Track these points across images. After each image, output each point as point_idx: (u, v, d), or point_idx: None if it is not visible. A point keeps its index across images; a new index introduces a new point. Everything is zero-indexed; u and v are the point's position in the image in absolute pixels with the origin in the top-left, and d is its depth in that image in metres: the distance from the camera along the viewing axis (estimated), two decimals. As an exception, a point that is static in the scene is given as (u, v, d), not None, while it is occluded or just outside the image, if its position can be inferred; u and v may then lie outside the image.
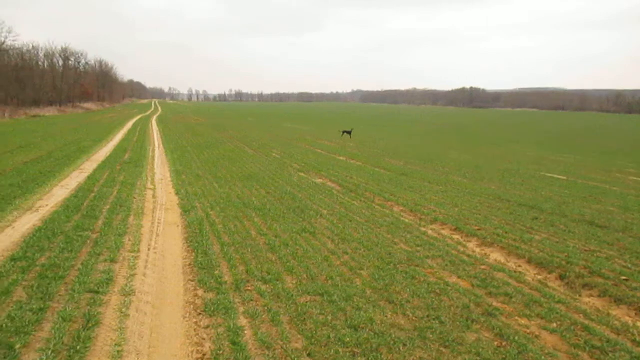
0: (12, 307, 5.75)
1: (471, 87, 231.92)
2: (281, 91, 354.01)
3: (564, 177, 20.81)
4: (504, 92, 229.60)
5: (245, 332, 5.52)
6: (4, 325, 5.26)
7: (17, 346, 4.85)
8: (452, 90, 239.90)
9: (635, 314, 6.48)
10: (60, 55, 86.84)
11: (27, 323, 5.32)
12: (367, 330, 5.58)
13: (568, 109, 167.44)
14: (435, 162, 24.30)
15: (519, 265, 8.29)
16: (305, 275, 7.33)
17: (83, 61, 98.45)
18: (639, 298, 6.78)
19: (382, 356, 5.01)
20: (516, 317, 6.13)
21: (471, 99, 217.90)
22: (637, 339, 5.63)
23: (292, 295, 6.55)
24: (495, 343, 5.39)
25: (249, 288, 6.84)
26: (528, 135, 55.45)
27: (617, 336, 5.70)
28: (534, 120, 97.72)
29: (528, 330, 5.76)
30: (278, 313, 6.01)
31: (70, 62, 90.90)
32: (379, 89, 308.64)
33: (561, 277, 7.70)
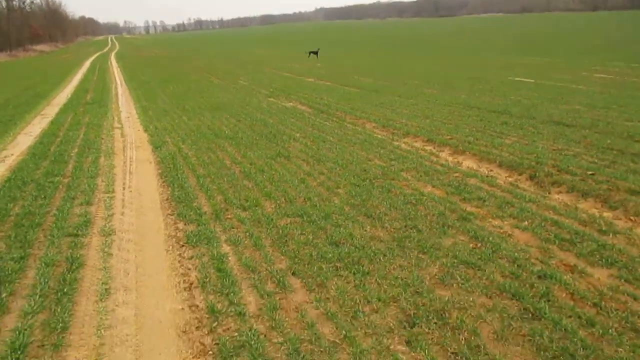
0: (-8, 258, 5.73)
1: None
2: (242, 15, 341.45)
3: (532, 80, 20.92)
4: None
5: (230, 258, 5.63)
6: (-14, 276, 5.26)
7: (3, 295, 4.87)
8: (417, 1, 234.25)
9: (602, 205, 6.76)
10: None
11: (10, 272, 5.32)
12: (348, 245, 5.74)
13: (535, 11, 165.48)
14: (404, 75, 24.11)
15: (491, 170, 8.49)
16: (283, 199, 7.41)
17: (29, 1, 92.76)
18: (605, 191, 7.05)
19: (364, 268, 5.19)
20: (490, 219, 6.35)
21: (437, 8, 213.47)
22: (604, 228, 5.91)
23: (272, 220, 6.65)
24: (471, 245, 5.61)
25: (229, 216, 6.91)
26: (495, 41, 55.03)
27: (585, 228, 5.97)
28: (500, 26, 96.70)
29: (501, 230, 5.99)
30: (260, 237, 6.11)
31: (14, 3, 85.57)
32: (343, 5, 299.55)
33: (531, 178, 7.93)
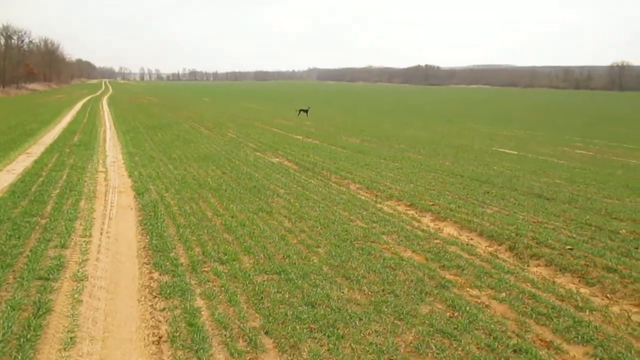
0: (-44, 297, 5.54)
1: (426, 65, 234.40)
2: (237, 70, 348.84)
3: (515, 152, 21.43)
4: (458, 70, 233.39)
5: (202, 313, 5.50)
6: (-52, 316, 5.06)
7: (-37, 337, 4.68)
8: (407, 68, 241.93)
9: (579, 281, 6.79)
10: (1, 34, 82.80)
11: (-27, 313, 5.13)
12: (324, 306, 5.65)
13: (519, 86, 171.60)
14: (391, 139, 24.56)
15: (471, 239, 8.53)
16: (262, 255, 7.34)
17: (27, 40, 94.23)
18: (583, 266, 7.10)
19: (339, 331, 5.09)
20: (468, 289, 6.32)
21: (426, 76, 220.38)
22: (580, 305, 5.91)
23: (249, 275, 6.56)
24: (448, 314, 5.56)
25: (206, 269, 6.80)
26: (481, 112, 56.63)
27: (562, 303, 5.97)
28: (487, 97, 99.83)
29: (479, 301, 5.96)
30: (235, 293, 6.01)
31: (13, 41, 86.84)
32: (336, 67, 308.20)
33: (511, 249, 7.98)
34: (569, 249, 7.80)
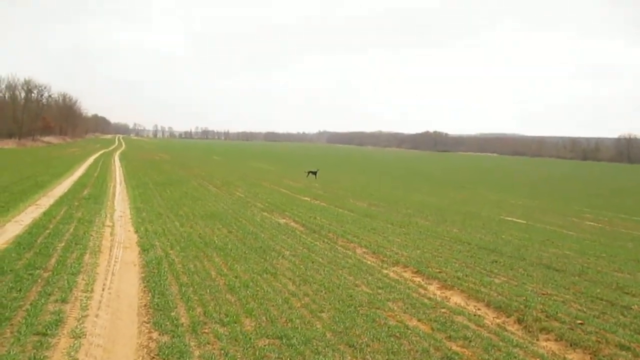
0: (-49, 350, 5.43)
1: (435, 132, 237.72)
2: (248, 130, 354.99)
3: (524, 221, 21.31)
4: (466, 137, 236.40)
5: (200, 377, 5.33)
6: (-60, 370, 4.94)
7: (-47, 393, 4.55)
8: (416, 134, 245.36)
9: (591, 358, 6.56)
10: (22, 88, 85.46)
11: (-34, 368, 5.01)
12: (326, 375, 5.47)
13: (527, 155, 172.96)
14: (399, 204, 24.56)
15: (479, 309, 8.34)
16: (264, 318, 7.19)
17: (46, 94, 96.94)
18: (594, 342, 6.88)
19: (340, 403, 4.90)
20: (475, 362, 6.12)
21: (435, 142, 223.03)
22: (593, 384, 5.68)
23: (250, 339, 6.40)
24: (454, 388, 5.35)
25: (206, 331, 6.65)
26: (489, 180, 56.85)
27: (573, 381, 5.74)
28: (495, 165, 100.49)
29: (487, 375, 5.75)
30: (235, 357, 5.85)
31: (32, 95, 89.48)
32: (346, 131, 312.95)
33: (519, 321, 7.77)
34: (579, 323, 7.59)
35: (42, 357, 5.44)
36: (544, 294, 9.17)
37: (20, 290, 7.64)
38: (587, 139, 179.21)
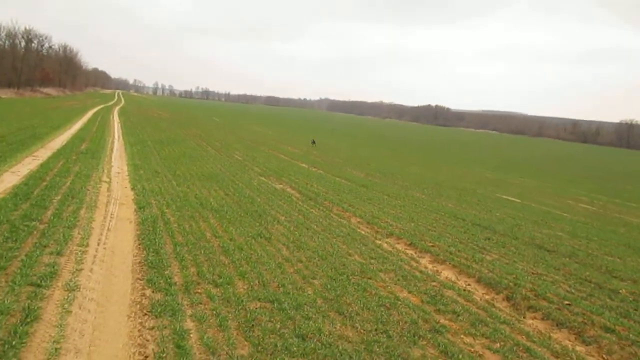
0: (-54, 296, 5.48)
1: (436, 105, 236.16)
2: (249, 93, 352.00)
3: (519, 200, 21.40)
4: (467, 113, 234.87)
5: (191, 335, 5.42)
6: None
7: (-52, 338, 4.61)
8: (417, 107, 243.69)
9: (575, 338, 6.68)
10: (22, 37, 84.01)
11: (-40, 314, 5.07)
12: (315, 340, 5.56)
13: (527, 134, 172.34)
14: (396, 176, 24.59)
15: (469, 284, 8.44)
16: (257, 281, 7.27)
17: (47, 45, 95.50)
18: (580, 323, 6.99)
19: (328, 368, 5.00)
20: (462, 336, 6.23)
21: (436, 116, 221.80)
22: (575, 363, 5.80)
23: (242, 301, 6.48)
24: (440, 360, 5.46)
25: (199, 291, 6.73)
26: (488, 157, 56.81)
27: (557, 359, 5.86)
28: (494, 143, 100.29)
29: (472, 349, 5.86)
30: (226, 318, 5.93)
31: (33, 44, 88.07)
32: (347, 100, 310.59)
33: (508, 299, 7.88)
34: (567, 304, 7.70)
35: (36, 308, 5.50)
36: (534, 274, 9.28)
37: (15, 240, 7.67)
38: (589, 122, 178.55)
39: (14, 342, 4.72)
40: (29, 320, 5.20)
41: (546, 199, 23.80)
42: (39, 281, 6.27)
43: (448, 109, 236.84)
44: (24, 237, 7.89)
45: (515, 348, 6.00)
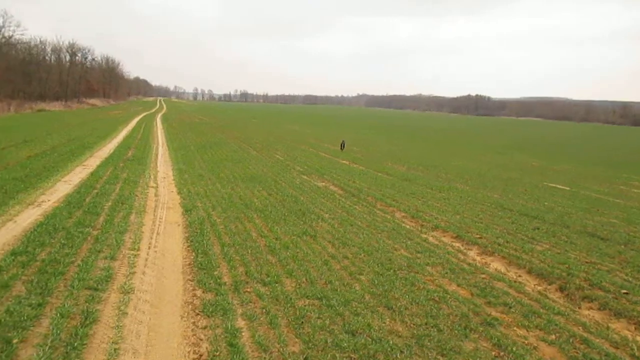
0: (11, 301, 5.76)
1: (477, 95, 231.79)
2: (287, 93, 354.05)
3: (568, 188, 20.77)
4: (509, 101, 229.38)
5: (243, 334, 5.52)
6: (2, 319, 5.27)
7: (15, 341, 4.85)
8: (457, 98, 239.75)
9: (635, 328, 6.44)
10: (67, 51, 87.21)
11: (25, 318, 5.33)
12: (365, 336, 5.56)
13: (574, 120, 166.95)
14: (438, 168, 24.27)
15: (520, 276, 8.26)
16: (304, 279, 7.32)
17: (90, 57, 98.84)
18: (639, 312, 6.74)
19: (379, 363, 4.99)
20: (515, 328, 6.10)
21: (476, 106, 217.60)
22: (636, 353, 5.60)
23: (291, 299, 6.54)
24: (493, 353, 5.37)
25: (248, 290, 6.83)
26: (533, 145, 55.37)
27: (616, 350, 5.67)
28: (539, 130, 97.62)
29: (526, 341, 5.74)
30: (276, 316, 6.00)
31: (77, 57, 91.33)
32: (385, 94, 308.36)
33: (561, 289, 7.67)
34: (624, 293, 7.44)
35: (94, 310, 5.72)
36: (587, 263, 8.99)
37: (71, 247, 7.99)
38: (639, 104, 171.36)
39: (75, 344, 4.92)
40: (88, 322, 5.41)
41: (596, 185, 23.01)
42: (95, 285, 6.51)
43: (489, 98, 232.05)
44: (79, 243, 8.21)
45: (571, 339, 5.83)
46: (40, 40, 79.09)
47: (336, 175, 18.89)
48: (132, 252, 8.16)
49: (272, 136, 40.21)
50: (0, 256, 7.39)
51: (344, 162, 24.44)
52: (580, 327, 6.25)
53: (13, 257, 7.28)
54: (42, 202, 11.33)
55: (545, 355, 5.44)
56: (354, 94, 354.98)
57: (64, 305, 5.77)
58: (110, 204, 11.45)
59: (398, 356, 5.16)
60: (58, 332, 5.10)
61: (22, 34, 67.11)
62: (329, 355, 5.08)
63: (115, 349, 5.01)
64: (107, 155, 20.85)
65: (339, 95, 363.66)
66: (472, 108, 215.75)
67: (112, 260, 7.63)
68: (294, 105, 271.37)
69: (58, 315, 5.49)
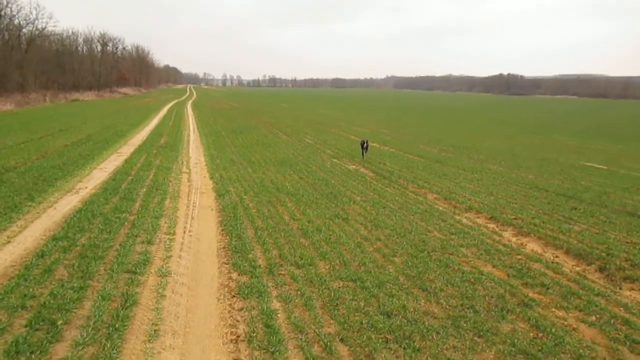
0: (54, 285, 5.95)
1: (509, 74, 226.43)
2: (315, 77, 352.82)
3: (605, 167, 20.21)
4: (543, 79, 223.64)
5: (279, 315, 5.57)
6: (46, 302, 5.44)
7: (59, 322, 5.01)
8: (488, 77, 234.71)
9: (679, 309, 6.25)
10: (99, 41, 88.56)
11: (68, 301, 5.49)
12: (400, 317, 5.55)
13: (611, 97, 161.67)
14: (470, 150, 23.90)
15: (557, 256, 8.10)
16: (338, 261, 7.34)
17: (121, 47, 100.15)
18: (684, 293, 6.54)
19: (415, 344, 4.98)
20: (553, 309, 6.00)
21: (509, 85, 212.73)
22: (681, 334, 5.43)
23: (325, 281, 6.57)
24: (531, 334, 5.29)
25: (283, 272, 6.89)
26: (568, 124, 53.97)
27: (660, 331, 5.52)
28: (574, 109, 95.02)
29: (565, 323, 5.64)
30: (311, 298, 6.04)
31: (108, 47, 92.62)
32: (414, 75, 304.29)
33: (601, 270, 7.49)
34: (667, 273, 7.21)
35: (133, 293, 5.85)
36: (628, 242, 8.75)
37: (110, 232, 8.18)
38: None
39: (117, 325, 5.05)
40: (128, 304, 5.55)
41: (635, 164, 22.32)
42: (134, 268, 6.67)
43: (522, 77, 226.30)
44: (117, 228, 8.40)
45: (612, 320, 5.70)
46: (72, 32, 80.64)
47: (367, 157, 18.78)
48: (168, 236, 8.31)
49: (302, 120, 40.20)
50: (42, 241, 7.63)
51: (374, 144, 24.27)
52: (621, 308, 6.10)
53: (54, 243, 7.50)
54: (80, 189, 11.61)
55: (585, 336, 5.34)
56: (383, 76, 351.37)
57: (105, 288, 5.93)
58: (145, 190, 11.65)
59: (434, 337, 5.14)
60: (100, 314, 5.25)
61: (54, 26, 68.46)
62: (365, 336, 5.09)
63: (155, 330, 5.12)
64: (140, 143, 21.19)
65: (368, 77, 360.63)
66: (504, 87, 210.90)
67: (149, 244, 7.78)
68: (322, 89, 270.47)
69: (99, 298, 5.64)
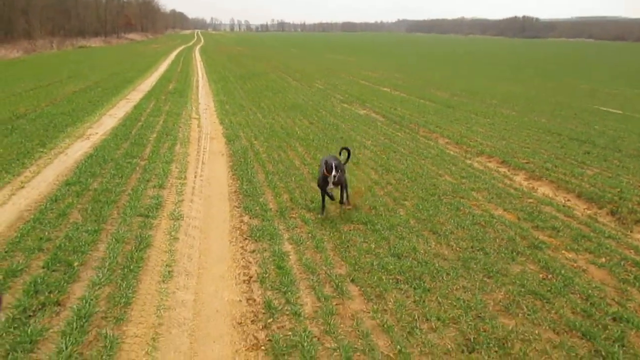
0: (69, 228, 6.04)
1: (523, 16, 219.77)
2: (324, 21, 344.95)
3: (620, 112, 19.82)
4: (559, 22, 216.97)
5: (290, 257, 5.64)
6: (62, 244, 5.54)
7: (76, 264, 5.12)
8: (502, 20, 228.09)
9: (691, 251, 6.25)
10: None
11: (83, 243, 5.59)
12: (411, 259, 5.60)
13: (629, 40, 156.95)
14: (483, 94, 23.49)
15: (568, 200, 8.07)
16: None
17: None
18: (696, 235, 6.52)
19: (425, 284, 5.04)
20: (563, 251, 6.02)
21: (523, 28, 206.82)
22: (691, 276, 5.45)
23: (335, 224, 6.62)
24: (541, 275, 5.33)
25: (294, 216, 6.93)
26: (583, 68, 52.68)
27: (670, 273, 5.53)
28: (590, 52, 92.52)
29: (575, 264, 5.66)
30: (322, 240, 6.09)
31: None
32: (426, 18, 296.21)
33: (612, 213, 7.46)
34: (680, 216, 7.17)
35: (147, 236, 5.94)
36: (641, 186, 8.67)
37: (121, 176, 8.25)
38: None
39: (131, 266, 5.15)
40: (142, 247, 5.64)
41: (652, 108, 21.85)
42: (146, 212, 6.74)
43: (537, 19, 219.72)
44: (129, 173, 8.45)
45: (622, 262, 5.72)
46: (76, -25, 78.57)
47: (377, 102, 18.57)
48: (180, 180, 8.36)
49: (312, 66, 39.57)
50: (55, 186, 7.71)
51: (385, 89, 23.94)
52: (632, 251, 6.11)
53: (67, 187, 7.58)
54: (90, 135, 11.63)
55: (594, 277, 5.37)
56: (394, 20, 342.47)
57: (118, 231, 6.02)
58: (155, 135, 11.65)
59: (444, 278, 5.19)
60: (114, 255, 5.35)
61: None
62: (375, 277, 5.16)
63: (169, 271, 5.22)
64: (149, 89, 21.05)
65: (378, 21, 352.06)
66: (519, 30, 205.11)
67: (161, 188, 7.84)
68: (332, 33, 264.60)
69: (113, 240, 5.74)
